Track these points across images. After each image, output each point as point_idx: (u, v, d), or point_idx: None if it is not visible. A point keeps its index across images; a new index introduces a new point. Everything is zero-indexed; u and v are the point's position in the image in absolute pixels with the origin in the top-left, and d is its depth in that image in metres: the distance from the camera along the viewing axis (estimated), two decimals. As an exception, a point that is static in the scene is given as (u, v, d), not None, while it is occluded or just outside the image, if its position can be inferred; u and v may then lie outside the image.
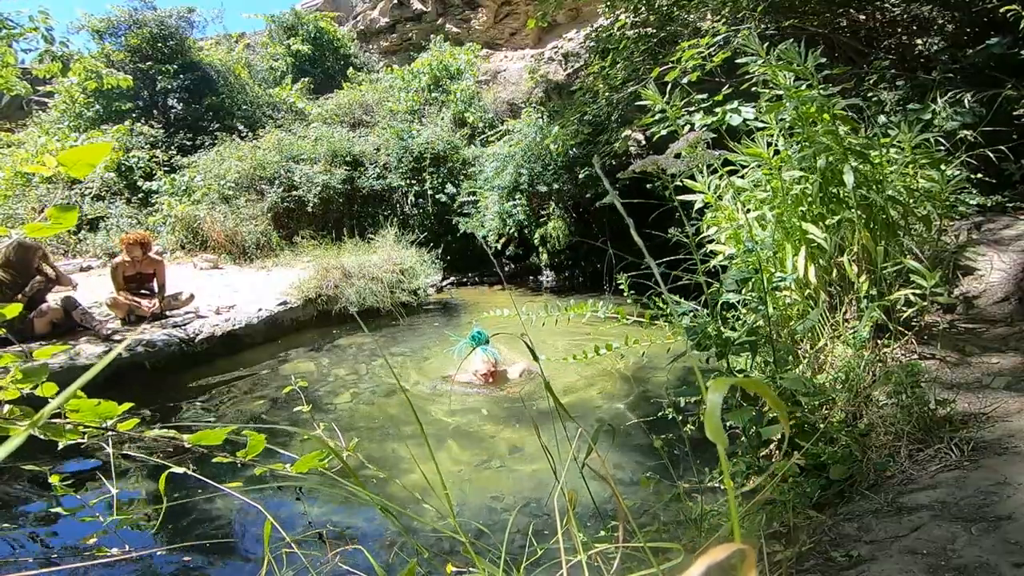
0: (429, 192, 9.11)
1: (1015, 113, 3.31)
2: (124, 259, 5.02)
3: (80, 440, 0.78)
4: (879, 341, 2.23)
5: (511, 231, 8.05)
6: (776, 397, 0.36)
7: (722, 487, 1.81)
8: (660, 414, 2.31)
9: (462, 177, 9.30)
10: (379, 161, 9.39)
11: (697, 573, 0.33)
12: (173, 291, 5.34)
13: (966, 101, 3.05)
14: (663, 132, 3.00)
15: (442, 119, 10.27)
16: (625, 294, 2.46)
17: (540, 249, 8.06)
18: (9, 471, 2.82)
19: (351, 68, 13.06)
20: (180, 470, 0.94)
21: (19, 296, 4.35)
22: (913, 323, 2.31)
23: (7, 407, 0.84)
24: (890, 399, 1.77)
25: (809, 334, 2.31)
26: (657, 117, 2.85)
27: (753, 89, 2.71)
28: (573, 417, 0.88)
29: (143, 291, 5.14)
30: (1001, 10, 3.55)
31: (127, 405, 0.79)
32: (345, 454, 1.66)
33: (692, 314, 2.08)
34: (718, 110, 2.87)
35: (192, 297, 5.38)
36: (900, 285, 2.29)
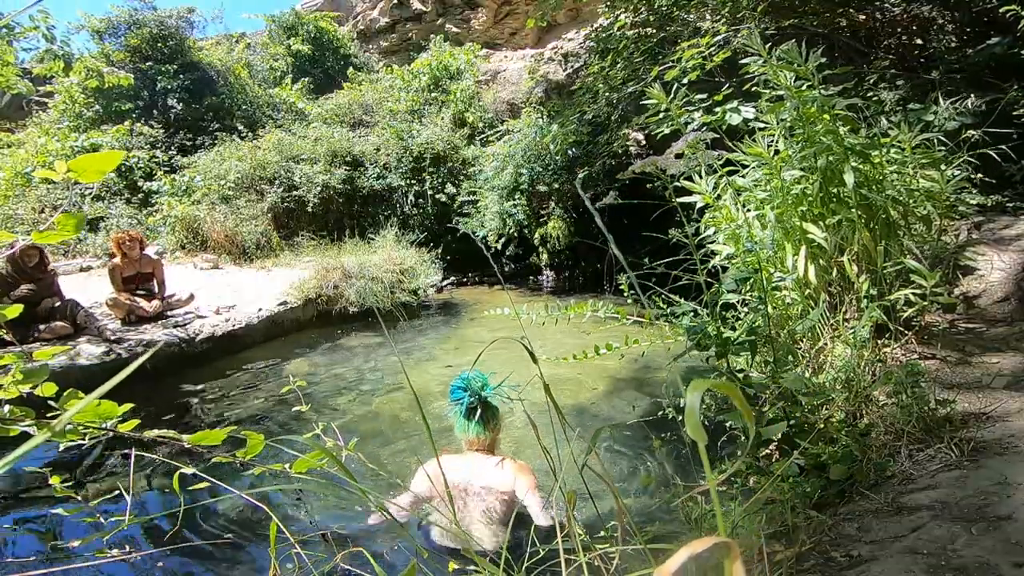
0: (429, 192, 9.11)
1: (1015, 113, 3.31)
2: (118, 261, 5.00)
3: (81, 440, 0.78)
4: (879, 341, 2.23)
5: (511, 231, 8.04)
6: (742, 398, 0.36)
7: (722, 487, 1.81)
8: (660, 414, 2.31)
9: (462, 177, 9.30)
10: (379, 161, 9.39)
11: (675, 565, 0.32)
12: (173, 291, 5.34)
13: (969, 102, 3.05)
14: (665, 131, 3.00)
15: (442, 119, 10.26)
16: (625, 294, 2.46)
17: (540, 249, 8.06)
18: (9, 471, 2.82)
19: (351, 68, 13.06)
20: (190, 471, 0.93)
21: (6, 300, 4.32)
22: (913, 323, 2.31)
23: (7, 407, 0.85)
24: (890, 399, 1.77)
25: (809, 334, 2.31)
26: (660, 116, 2.85)
27: (753, 89, 2.70)
28: (571, 424, 0.88)
29: (142, 291, 5.14)
30: (1001, 10, 3.55)
31: (128, 406, 0.79)
32: (344, 454, 1.66)
33: (692, 314, 2.08)
34: (718, 110, 2.87)
35: (192, 297, 5.38)
36: (900, 285, 2.29)
